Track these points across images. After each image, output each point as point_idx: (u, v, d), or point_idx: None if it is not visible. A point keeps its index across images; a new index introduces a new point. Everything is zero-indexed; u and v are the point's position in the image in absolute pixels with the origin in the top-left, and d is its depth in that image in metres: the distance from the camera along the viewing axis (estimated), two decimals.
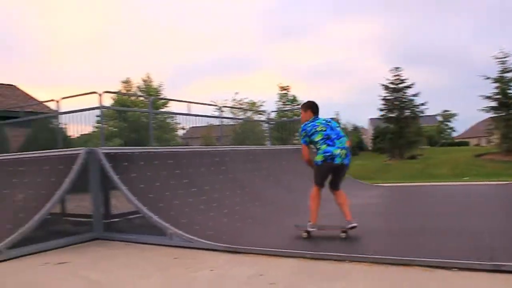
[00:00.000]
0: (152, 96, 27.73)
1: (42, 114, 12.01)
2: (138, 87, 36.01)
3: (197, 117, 10.44)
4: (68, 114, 8.53)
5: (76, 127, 8.83)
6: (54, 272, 4.75)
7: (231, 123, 15.34)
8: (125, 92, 34.99)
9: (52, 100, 9.17)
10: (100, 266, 4.98)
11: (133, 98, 32.79)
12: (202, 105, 11.77)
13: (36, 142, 10.79)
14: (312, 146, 5.79)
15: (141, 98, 32.15)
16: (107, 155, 6.54)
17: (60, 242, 6.08)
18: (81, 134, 13.56)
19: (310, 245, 5.16)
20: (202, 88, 72.80)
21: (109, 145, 12.87)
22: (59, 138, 8.81)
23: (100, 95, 7.29)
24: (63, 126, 9.46)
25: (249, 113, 30.00)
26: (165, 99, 29.18)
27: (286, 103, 40.45)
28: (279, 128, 16.66)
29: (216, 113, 12.92)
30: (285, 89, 41.28)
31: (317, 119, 5.80)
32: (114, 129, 29.13)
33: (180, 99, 10.33)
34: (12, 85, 22.89)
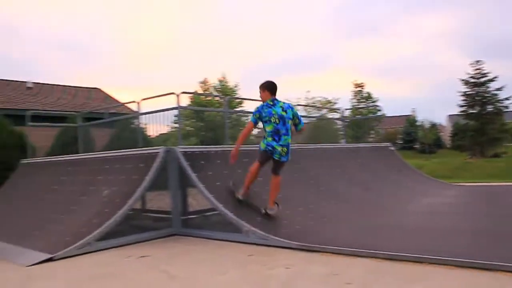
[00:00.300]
0: (227, 95, 28.25)
1: (124, 115, 12.61)
2: (214, 87, 36.87)
3: None
4: (147, 115, 8.89)
5: (155, 127, 9.20)
6: (137, 265, 4.98)
7: (304, 121, 15.26)
8: (202, 92, 35.91)
9: (133, 102, 9.60)
10: (178, 261, 5.15)
11: (209, 98, 33.57)
12: None
13: (119, 142, 11.38)
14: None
15: (217, 98, 32.83)
16: (185, 153, 6.76)
17: (141, 237, 6.37)
18: (160, 134, 14.07)
19: (384, 245, 5.03)
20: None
21: (186, 144, 13.30)
22: (140, 137, 9.21)
23: (177, 95, 7.54)
24: (143, 126, 9.88)
25: (323, 111, 29.77)
26: (239, 98, 29.64)
27: (361, 100, 39.72)
28: (354, 125, 16.38)
29: None
30: (360, 86, 40.55)
31: (275, 106, 5.89)
32: (191, 129, 30.01)
33: (254, 98, 10.43)
34: (96, 88, 24.26)
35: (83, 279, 4.51)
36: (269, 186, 6.17)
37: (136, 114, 9.11)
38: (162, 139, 16.67)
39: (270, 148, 5.87)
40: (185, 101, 32.20)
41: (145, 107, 8.97)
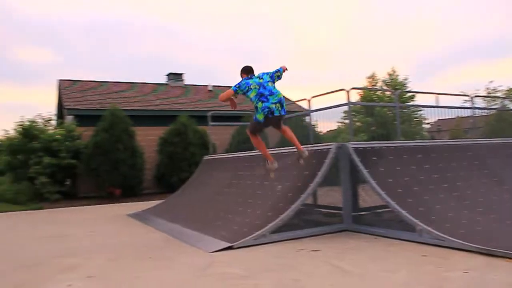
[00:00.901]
0: (397, 89, 27.26)
1: (296, 113, 13.01)
2: (384, 81, 35.86)
3: (445, 109, 9.82)
4: (317, 112, 9.05)
5: (324, 124, 9.33)
6: (310, 259, 5.13)
7: (484, 114, 14.02)
8: (370, 87, 35.24)
9: (303, 99, 9.86)
10: (349, 256, 5.16)
11: (378, 92, 32.79)
12: (451, 96, 11.03)
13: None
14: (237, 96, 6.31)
15: (387, 93, 31.90)
16: (356, 149, 6.73)
17: (313, 231, 6.53)
18: (329, 130, 14.19)
19: None
20: (449, 78, 68.09)
21: (356, 140, 13.18)
22: (311, 134, 9.41)
23: (347, 92, 7.53)
24: (314, 123, 10.08)
25: (506, 102, 26.86)
26: (411, 91, 28.34)
27: None
28: None
29: (467, 104, 11.94)
30: None
31: (251, 79, 6.18)
32: (360, 124, 29.64)
33: (427, 91, 9.87)
34: None
35: (259, 268, 4.81)
36: (287, 138, 6.41)
37: (307, 111, 9.34)
38: (332, 135, 16.82)
39: (266, 109, 6.01)
40: (355, 97, 31.96)
41: (315, 104, 9.15)
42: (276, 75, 6.38)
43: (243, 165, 9.18)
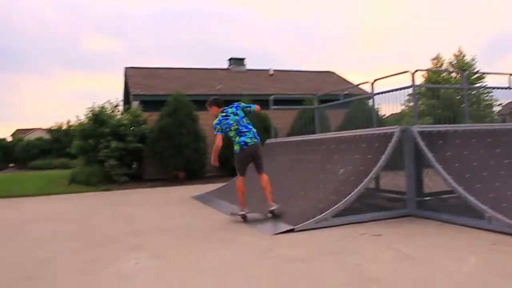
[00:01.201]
0: (464, 71, 26.08)
1: (358, 96, 12.80)
2: (450, 62, 34.41)
3: None
4: (380, 95, 8.86)
5: (388, 107, 9.13)
6: (372, 243, 5.08)
7: None
8: (435, 69, 33.95)
9: (366, 82, 9.67)
10: (412, 242, 5.07)
11: (444, 74, 31.52)
12: None
13: (353, 122, 11.64)
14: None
15: (453, 74, 30.61)
16: (421, 133, 6.54)
17: (375, 216, 6.44)
18: (392, 114, 13.86)
19: None
20: None
21: (420, 123, 12.78)
22: (374, 117, 9.24)
23: (412, 74, 7.31)
24: (377, 107, 9.88)
25: None
26: (480, 73, 27.04)
27: None
28: None
29: None
30: None
31: (229, 117, 6.87)
32: (425, 107, 28.70)
33: (496, 72, 9.38)
34: (330, 71, 25.12)
35: (321, 251, 4.84)
36: (261, 187, 6.86)
37: (370, 95, 9.16)
38: (395, 119, 16.40)
39: (243, 142, 6.79)
40: (419, 79, 30.91)
41: (378, 87, 8.96)
42: (247, 110, 7.06)
43: (305, 148, 9.18)
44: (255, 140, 6.85)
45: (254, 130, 6.95)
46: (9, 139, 45.05)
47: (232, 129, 6.86)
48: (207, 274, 4.15)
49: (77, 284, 4.06)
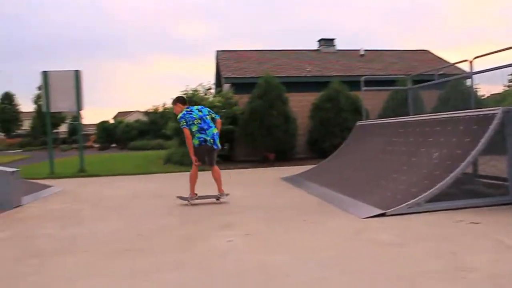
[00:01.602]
0: None
1: (454, 76, 12.13)
2: None
3: None
4: (479, 74, 8.35)
5: (487, 87, 8.58)
6: (466, 231, 4.88)
7: None
8: None
9: (464, 61, 9.13)
10: None
11: None
12: None
13: (449, 103, 11.07)
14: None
15: None
16: None
17: (473, 202, 6.14)
18: (492, 94, 13.00)
19: None
20: None
21: None
22: (472, 98, 8.74)
23: None
24: (475, 87, 9.31)
25: None
26: None
27: None
28: None
29: None
30: None
31: (193, 112, 7.42)
32: None
33: None
34: (425, 50, 23.98)
35: (413, 236, 4.73)
36: (213, 178, 7.56)
37: (468, 74, 8.67)
38: (496, 99, 15.37)
39: (202, 139, 7.38)
40: None
41: (478, 66, 8.45)
42: (212, 116, 7.59)
43: (397, 131, 8.91)
44: (212, 142, 7.40)
45: (215, 132, 7.49)
46: (112, 121, 48.11)
47: (195, 123, 7.37)
48: (297, 254, 4.23)
49: (173, 259, 4.31)
